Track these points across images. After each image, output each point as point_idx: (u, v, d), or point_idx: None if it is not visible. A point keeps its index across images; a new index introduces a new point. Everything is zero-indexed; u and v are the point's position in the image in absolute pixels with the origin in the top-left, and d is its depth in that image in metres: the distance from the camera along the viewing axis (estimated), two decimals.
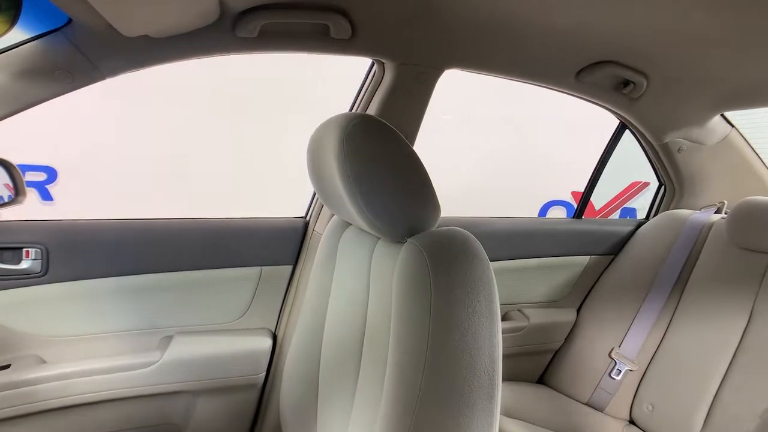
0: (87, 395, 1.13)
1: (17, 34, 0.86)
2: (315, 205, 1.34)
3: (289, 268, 1.32)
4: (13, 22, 0.82)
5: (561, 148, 3.57)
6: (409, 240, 0.76)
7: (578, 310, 1.69)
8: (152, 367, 1.17)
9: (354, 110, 1.27)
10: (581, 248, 1.67)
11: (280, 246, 1.31)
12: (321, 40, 1.03)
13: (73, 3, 0.79)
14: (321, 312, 0.98)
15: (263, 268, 1.29)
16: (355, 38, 1.04)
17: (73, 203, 3.17)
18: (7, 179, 1.32)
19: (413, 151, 0.78)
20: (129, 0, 0.74)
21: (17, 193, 1.32)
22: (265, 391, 1.32)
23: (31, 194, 3.15)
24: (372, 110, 1.20)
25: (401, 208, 0.77)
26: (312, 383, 0.97)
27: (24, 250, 1.09)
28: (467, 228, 0.78)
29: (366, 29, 1.03)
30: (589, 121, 3.27)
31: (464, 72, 1.22)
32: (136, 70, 0.97)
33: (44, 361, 1.14)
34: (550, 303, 1.68)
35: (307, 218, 1.35)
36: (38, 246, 1.10)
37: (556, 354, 1.69)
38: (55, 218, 1.17)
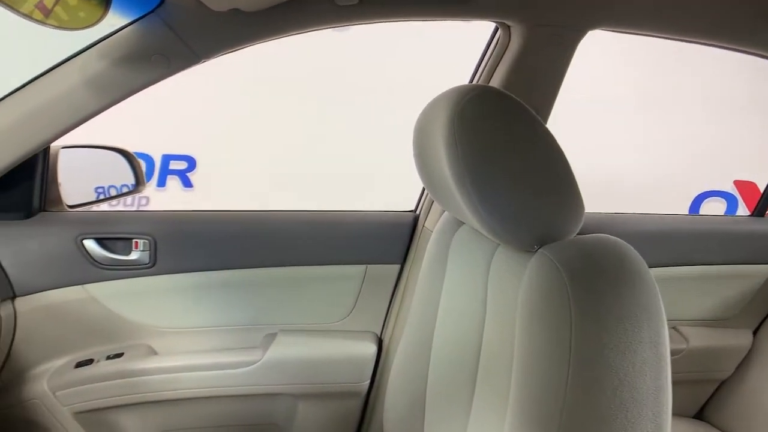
0: (192, 390, 1.11)
1: (113, 19, 0.83)
2: (425, 197, 1.19)
3: (397, 267, 1.19)
4: (107, 5, 0.78)
5: (717, 130, 3.01)
6: (540, 250, 0.58)
7: (755, 333, 1.35)
8: (254, 366, 1.12)
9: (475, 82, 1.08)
10: (762, 255, 1.32)
11: (388, 243, 1.19)
12: (433, 4, 0.86)
13: None
14: (430, 321, 0.84)
15: (368, 266, 1.18)
16: (474, 1, 0.86)
17: (210, 190, 3.40)
18: (128, 169, 1.36)
19: (548, 132, 0.59)
20: None
21: (137, 182, 1.35)
22: (369, 400, 1.22)
23: (174, 181, 3.43)
24: (495, 84, 1.01)
25: (529, 208, 0.59)
26: (419, 400, 0.84)
27: (133, 240, 1.09)
28: (606, 230, 0.58)
29: None
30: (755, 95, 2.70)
31: (610, 33, 0.98)
32: (230, 50, 0.89)
33: (154, 352, 1.14)
34: (717, 322, 1.36)
35: (417, 212, 1.21)
36: (146, 237, 1.09)
37: (723, 385, 1.37)
38: (163, 209, 1.16)
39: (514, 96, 0.60)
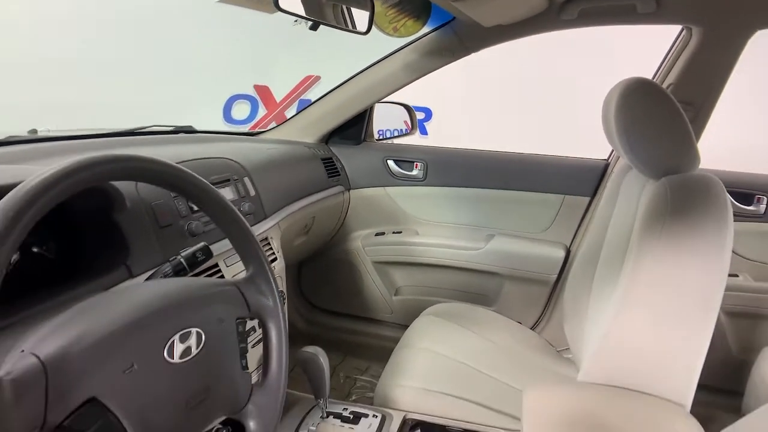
0: (439, 259, 1.75)
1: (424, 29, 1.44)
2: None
3: (587, 199, 1.63)
4: (425, 22, 1.39)
5: None
6: (663, 179, 0.99)
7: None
8: (479, 251, 1.70)
9: (656, 74, 1.44)
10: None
11: (582, 180, 1.63)
12: (629, 15, 1.26)
13: (452, 7, 1.27)
14: (601, 235, 1.27)
15: (566, 195, 1.65)
16: (660, 11, 1.22)
17: (440, 139, 4.03)
18: (407, 118, 2.05)
19: (676, 107, 0.97)
20: (487, 5, 1.18)
21: (412, 127, 2.03)
22: (555, 288, 1.70)
23: None
24: (672, 75, 1.34)
25: (656, 148, 0.97)
26: (586, 288, 1.28)
27: (414, 163, 1.76)
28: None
29: (670, 2, 1.20)
30: None
31: None
32: (490, 46, 1.44)
33: (418, 233, 1.81)
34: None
35: (608, 160, 1.62)
36: (422, 161, 1.74)
37: None
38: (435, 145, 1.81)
39: (662, 87, 0.99)
